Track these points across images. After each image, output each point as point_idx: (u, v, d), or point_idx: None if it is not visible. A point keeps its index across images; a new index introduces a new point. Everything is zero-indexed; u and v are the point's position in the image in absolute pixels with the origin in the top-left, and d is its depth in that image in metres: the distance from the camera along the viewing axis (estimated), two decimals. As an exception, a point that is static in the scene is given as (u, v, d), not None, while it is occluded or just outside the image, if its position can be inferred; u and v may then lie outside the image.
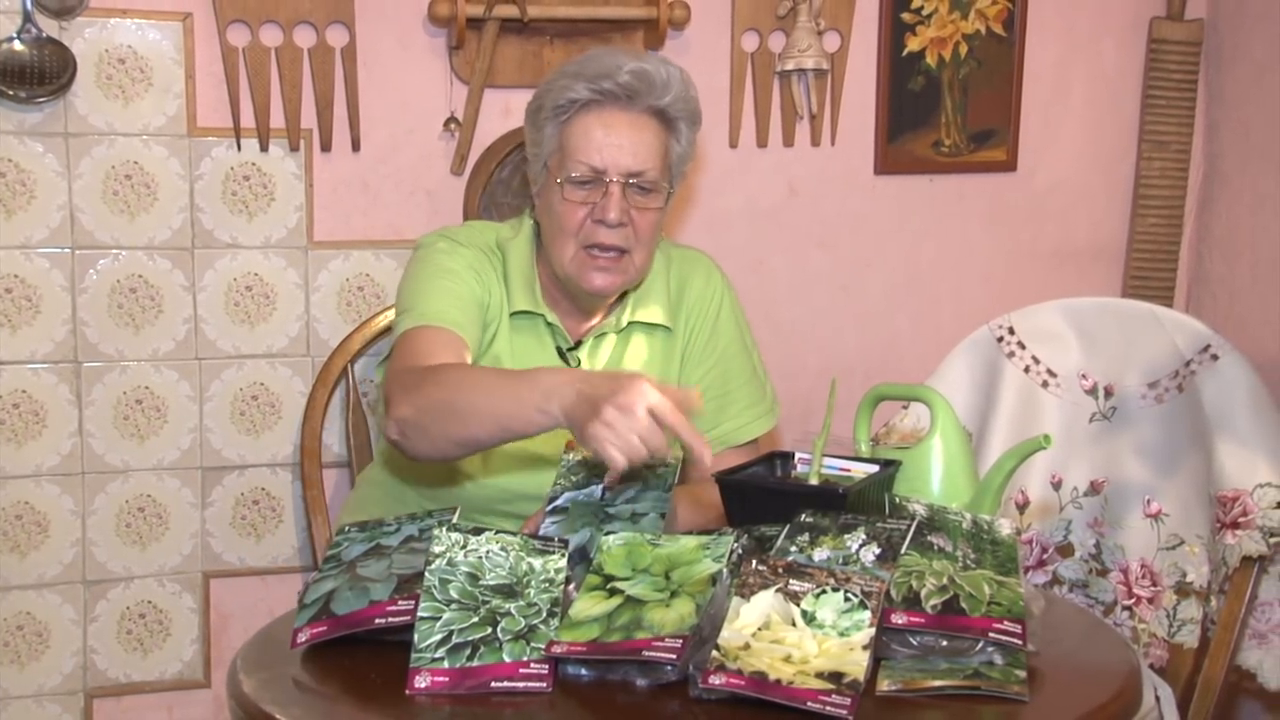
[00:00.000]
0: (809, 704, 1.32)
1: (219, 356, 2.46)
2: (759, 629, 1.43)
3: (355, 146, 2.47)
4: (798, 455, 1.85)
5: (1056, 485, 2.27)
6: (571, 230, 1.90)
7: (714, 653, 1.40)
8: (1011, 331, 2.29)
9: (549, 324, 1.97)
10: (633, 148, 1.88)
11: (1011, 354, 2.28)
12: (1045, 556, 2.27)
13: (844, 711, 1.31)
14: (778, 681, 1.35)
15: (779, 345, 2.73)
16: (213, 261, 2.44)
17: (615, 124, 1.89)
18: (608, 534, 1.60)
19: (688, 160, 1.98)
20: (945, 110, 2.76)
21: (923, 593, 1.48)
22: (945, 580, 1.50)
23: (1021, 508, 2.26)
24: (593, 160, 1.88)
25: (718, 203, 2.68)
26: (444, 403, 1.68)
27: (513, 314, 1.96)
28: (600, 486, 1.67)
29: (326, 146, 2.45)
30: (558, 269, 1.94)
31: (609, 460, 1.50)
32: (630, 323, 2.01)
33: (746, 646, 1.41)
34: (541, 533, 1.63)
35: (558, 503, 1.67)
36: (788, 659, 1.39)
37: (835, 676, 1.35)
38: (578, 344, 2.00)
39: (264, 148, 2.42)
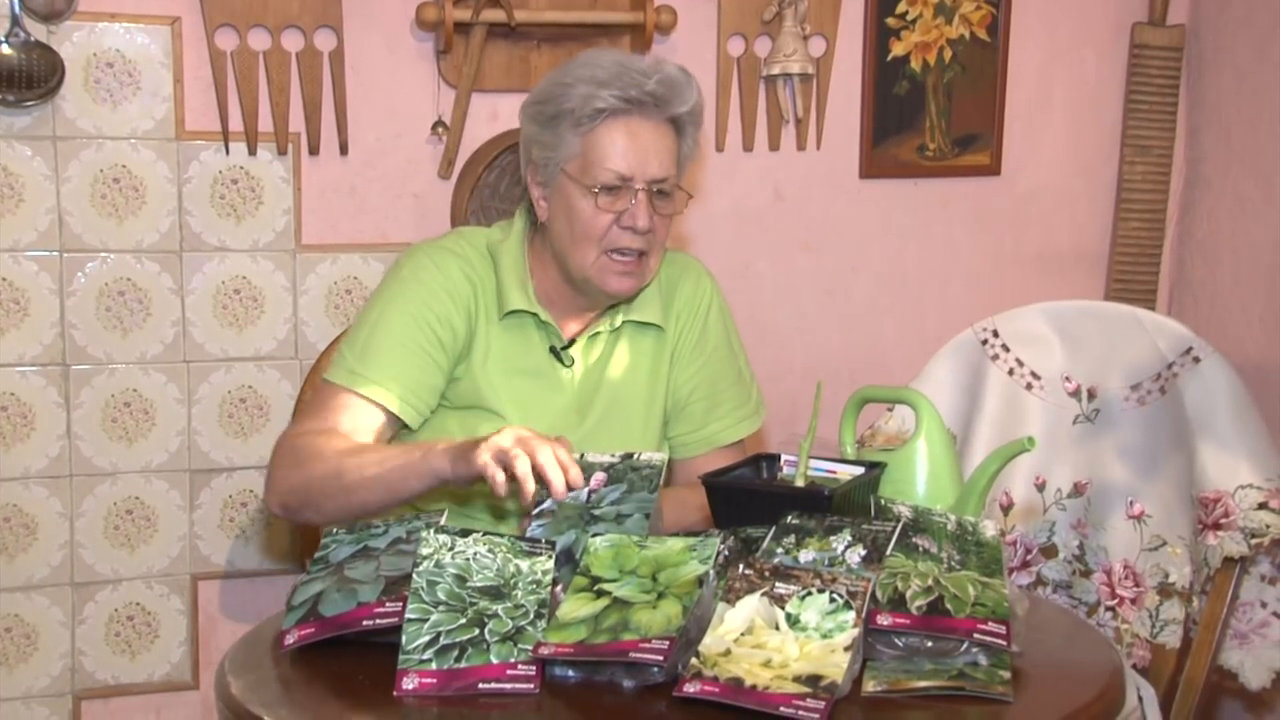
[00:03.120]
0: (781, 709, 1.32)
1: (207, 359, 2.45)
2: (742, 634, 1.43)
3: (343, 150, 2.47)
4: (784, 457, 1.85)
5: (1040, 487, 2.27)
6: (596, 236, 1.89)
7: (693, 660, 1.40)
8: (995, 334, 2.29)
9: (542, 323, 1.97)
10: (657, 155, 1.89)
11: (995, 357, 2.28)
12: (1029, 558, 2.27)
13: (816, 715, 1.31)
14: (753, 687, 1.35)
15: (765, 348, 2.73)
16: (201, 265, 2.43)
17: (640, 132, 1.88)
18: (594, 535, 1.59)
19: (691, 160, 2.00)
20: (929, 114, 2.76)
21: (908, 594, 1.48)
22: (930, 581, 1.50)
23: (1005, 509, 2.27)
24: (620, 168, 1.87)
25: (704, 206, 2.68)
26: (330, 478, 1.78)
27: (504, 314, 1.95)
28: (587, 489, 1.68)
29: (314, 150, 2.45)
30: (575, 272, 1.93)
31: (488, 473, 1.63)
32: (624, 322, 2.02)
33: (727, 652, 1.40)
34: (528, 535, 1.63)
35: (544, 506, 1.67)
36: (767, 663, 1.38)
37: (813, 679, 1.35)
38: (570, 343, 2.00)
39: (252, 151, 2.42)
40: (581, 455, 1.70)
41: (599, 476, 1.68)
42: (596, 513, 1.66)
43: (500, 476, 1.62)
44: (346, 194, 2.50)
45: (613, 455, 1.71)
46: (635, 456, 1.70)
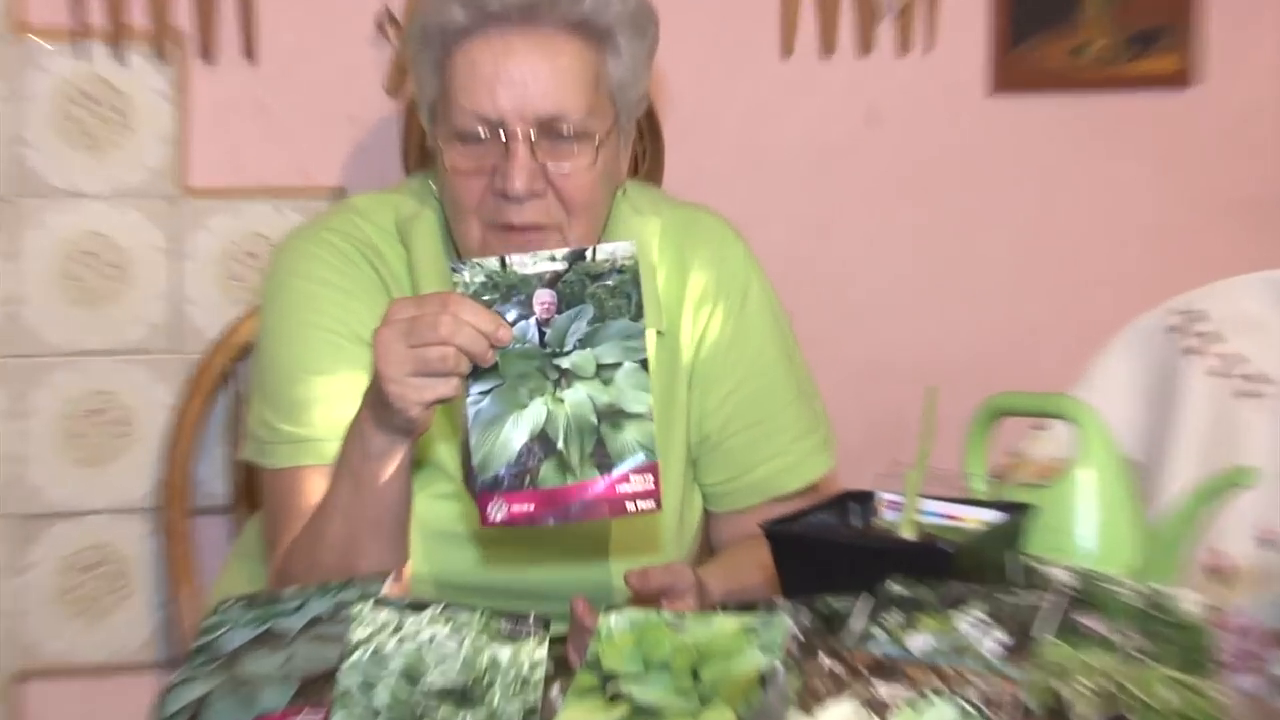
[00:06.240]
0: None
1: (43, 354, 2.47)
2: None
3: (249, 55, 2.49)
4: (882, 496, 1.85)
5: (1272, 541, 2.23)
6: (469, 206, 1.87)
7: None
8: (1194, 318, 2.26)
9: None
10: (544, 82, 1.84)
11: (1194, 350, 2.25)
12: (1258, 649, 2.24)
13: None
14: None
15: (848, 339, 2.76)
16: (40, 216, 2.44)
17: (513, 51, 1.84)
18: (568, 394, 1.60)
19: (640, 83, 1.95)
20: (1091, 1, 2.74)
21: (1073, 701, 1.46)
22: (1106, 682, 1.48)
23: (1217, 574, 2.23)
24: (482, 107, 1.84)
25: (761, 138, 2.71)
26: (327, 555, 1.78)
27: None
28: (533, 320, 1.65)
29: (208, 55, 2.47)
30: (464, 256, 1.90)
31: (410, 410, 1.63)
32: None
33: None
34: (473, 412, 1.63)
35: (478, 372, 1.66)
36: None
37: None
38: None
39: (118, 56, 2.43)
40: (504, 265, 1.66)
41: (543, 297, 1.64)
42: (564, 364, 1.64)
43: (428, 395, 1.62)
44: (253, 116, 2.52)
45: (553, 257, 1.67)
46: (590, 256, 1.66)
